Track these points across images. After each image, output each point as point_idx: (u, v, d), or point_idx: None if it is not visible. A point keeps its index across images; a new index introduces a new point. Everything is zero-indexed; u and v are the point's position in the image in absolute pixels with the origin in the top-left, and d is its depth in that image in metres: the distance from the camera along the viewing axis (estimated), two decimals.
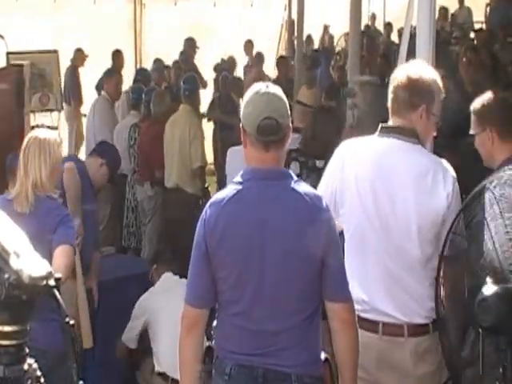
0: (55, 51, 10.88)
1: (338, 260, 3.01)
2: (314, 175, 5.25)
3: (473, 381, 3.10)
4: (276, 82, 8.28)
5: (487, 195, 3.03)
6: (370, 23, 15.88)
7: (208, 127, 10.45)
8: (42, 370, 1.88)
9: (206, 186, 7.95)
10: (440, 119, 3.43)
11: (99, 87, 10.23)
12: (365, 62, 9.91)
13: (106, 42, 12.16)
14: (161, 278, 5.63)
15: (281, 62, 11.87)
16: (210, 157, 9.95)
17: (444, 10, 14.50)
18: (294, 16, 11.46)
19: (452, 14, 15.22)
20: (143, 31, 13.81)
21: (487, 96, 3.82)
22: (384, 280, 3.31)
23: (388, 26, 15.34)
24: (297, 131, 5.56)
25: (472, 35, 12.57)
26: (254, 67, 12.69)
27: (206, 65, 12.56)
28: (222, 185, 7.89)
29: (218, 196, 3.03)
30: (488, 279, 2.89)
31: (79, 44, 11.90)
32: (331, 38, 15.79)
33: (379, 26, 15.99)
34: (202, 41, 12.57)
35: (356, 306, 3.18)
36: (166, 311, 5.14)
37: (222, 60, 12.91)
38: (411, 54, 4.30)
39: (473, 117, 3.79)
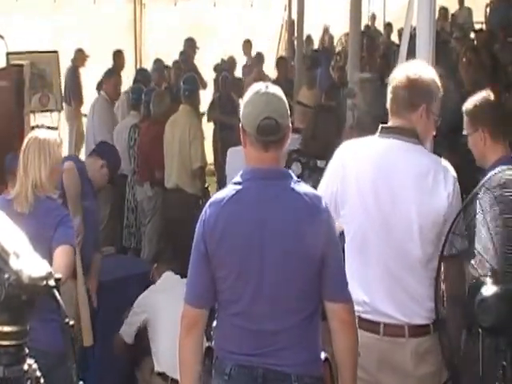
0: (55, 51, 10.87)
1: (338, 260, 3.01)
2: (315, 176, 5.23)
3: (473, 381, 3.10)
4: (275, 82, 8.26)
5: (487, 196, 3.03)
6: (369, 23, 15.86)
7: (208, 127, 10.45)
8: (42, 371, 1.88)
9: (206, 186, 7.95)
10: (439, 119, 3.44)
11: (100, 87, 10.23)
12: (365, 62, 9.92)
13: (105, 42, 12.16)
14: (161, 277, 5.64)
15: (280, 62, 11.89)
16: (210, 157, 9.95)
17: (444, 10, 14.50)
18: (294, 16, 11.47)
19: (452, 15, 15.22)
20: (143, 31, 13.81)
21: (479, 96, 3.85)
22: (384, 280, 3.31)
23: (388, 26, 15.33)
24: (297, 132, 5.56)
25: (472, 35, 12.57)
26: (254, 67, 12.71)
27: (205, 65, 12.56)
28: (222, 185, 7.88)
29: (218, 196, 3.03)
30: (488, 279, 2.90)
31: (79, 44, 11.90)
32: (331, 38, 15.78)
33: (379, 26, 15.98)
34: (201, 41, 12.58)
35: (357, 307, 3.18)
36: (166, 311, 5.15)
37: (222, 60, 12.90)
38: (411, 54, 4.30)
39: (465, 117, 3.83)
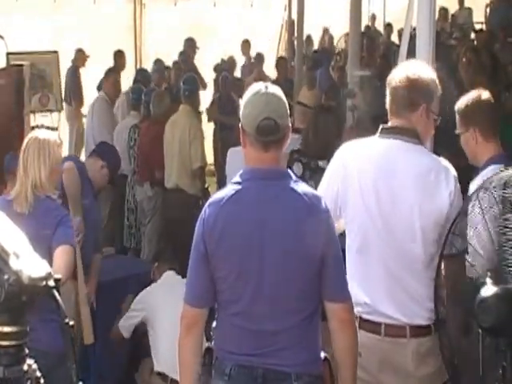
0: (55, 52, 10.88)
1: (337, 260, 3.01)
2: (317, 176, 5.22)
3: (473, 381, 3.10)
4: (275, 82, 8.27)
5: (486, 196, 3.03)
6: (370, 24, 15.86)
7: (208, 127, 10.45)
8: (42, 371, 1.88)
9: (206, 186, 7.94)
10: (439, 118, 3.44)
11: (101, 87, 10.24)
12: (365, 62, 9.93)
13: (105, 42, 12.17)
14: (162, 276, 5.64)
15: (280, 62, 11.89)
16: (210, 157, 9.95)
17: (444, 10, 14.50)
18: (294, 16, 11.47)
19: (452, 15, 15.22)
20: (143, 31, 13.81)
21: (471, 96, 3.86)
22: (385, 281, 3.31)
23: (388, 26, 15.33)
24: (297, 132, 5.56)
25: (472, 36, 12.58)
26: (254, 67, 12.72)
27: (205, 65, 12.56)
28: (222, 185, 7.83)
29: (217, 196, 3.03)
30: (487, 280, 2.89)
31: (79, 44, 11.90)
32: (331, 38, 15.79)
33: (379, 26, 15.97)
34: (201, 41, 12.58)
35: (358, 308, 3.18)
36: (166, 311, 5.15)
37: (222, 60, 12.91)
38: (411, 54, 4.30)
39: (457, 117, 3.84)
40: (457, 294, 3.22)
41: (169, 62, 11.62)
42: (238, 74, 12.82)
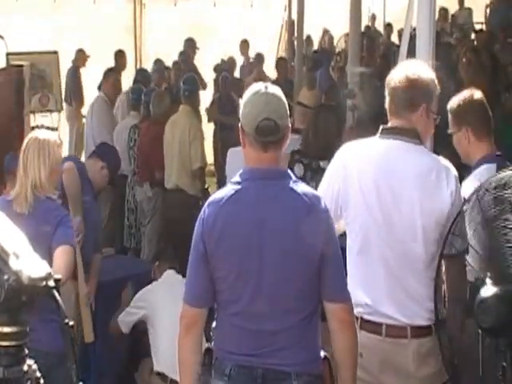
0: (55, 52, 10.89)
1: (337, 260, 3.00)
2: (318, 177, 5.22)
3: (473, 381, 3.10)
4: (275, 83, 8.27)
5: (486, 197, 3.03)
6: (370, 24, 15.86)
7: (208, 128, 10.45)
8: (42, 371, 1.88)
9: (206, 186, 7.94)
10: (438, 117, 3.44)
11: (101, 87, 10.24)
12: (365, 62, 9.93)
13: (106, 42, 12.18)
14: (163, 275, 5.64)
15: (280, 63, 11.90)
16: (210, 157, 9.95)
17: (444, 10, 14.50)
18: (294, 16, 11.47)
19: (452, 15, 15.22)
20: (143, 31, 13.82)
21: (463, 96, 3.86)
22: (386, 281, 3.31)
23: (388, 26, 15.33)
24: (297, 132, 5.55)
25: (472, 36, 12.58)
26: (253, 67, 12.72)
27: (205, 65, 12.56)
28: (222, 185, 7.81)
29: (217, 196, 3.02)
30: (487, 280, 2.90)
31: (79, 44, 11.90)
32: (331, 38, 15.79)
33: (379, 26, 15.97)
34: (201, 41, 12.58)
35: (359, 309, 3.18)
36: (166, 310, 5.14)
37: (222, 60, 12.91)
38: (411, 54, 4.30)
39: (450, 116, 3.84)
40: (457, 294, 3.22)
41: (169, 62, 11.62)
42: (238, 74, 12.82)
